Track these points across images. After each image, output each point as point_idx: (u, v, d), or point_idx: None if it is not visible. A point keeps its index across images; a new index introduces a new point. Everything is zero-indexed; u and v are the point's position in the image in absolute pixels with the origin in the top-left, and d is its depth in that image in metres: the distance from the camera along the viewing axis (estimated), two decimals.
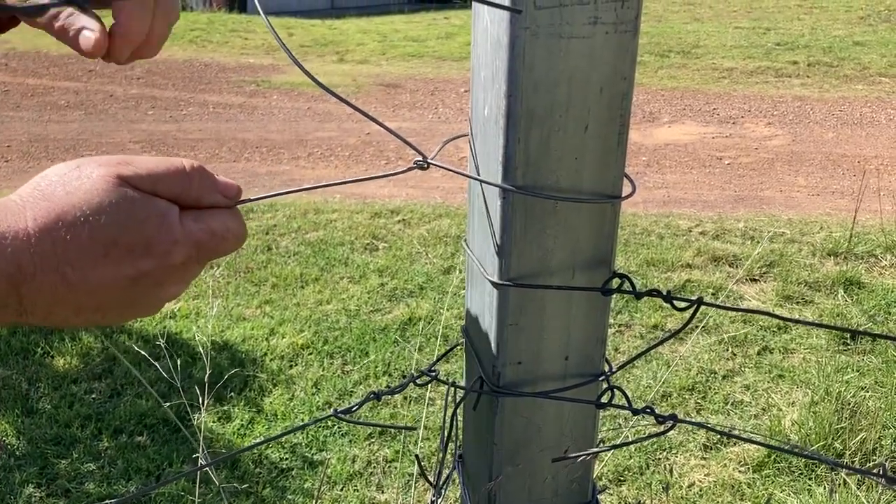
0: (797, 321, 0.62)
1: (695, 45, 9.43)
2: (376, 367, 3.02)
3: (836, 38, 9.43)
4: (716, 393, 2.89)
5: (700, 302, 0.67)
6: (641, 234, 4.26)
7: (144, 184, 0.52)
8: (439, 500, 0.87)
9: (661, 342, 0.70)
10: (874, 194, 4.58)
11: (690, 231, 4.32)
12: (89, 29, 0.56)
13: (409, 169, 0.65)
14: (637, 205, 4.80)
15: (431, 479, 0.87)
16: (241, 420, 2.71)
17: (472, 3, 0.66)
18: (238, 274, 3.79)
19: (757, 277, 3.76)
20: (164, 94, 7.56)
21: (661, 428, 0.76)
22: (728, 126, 6.53)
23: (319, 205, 4.74)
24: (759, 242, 4.11)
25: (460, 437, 0.90)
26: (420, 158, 0.65)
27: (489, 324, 0.74)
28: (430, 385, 2.86)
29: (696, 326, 3.31)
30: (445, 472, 0.88)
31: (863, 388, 2.87)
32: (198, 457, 2.35)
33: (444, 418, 0.79)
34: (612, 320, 3.36)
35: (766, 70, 8.29)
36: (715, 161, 5.68)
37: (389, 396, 2.87)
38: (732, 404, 2.84)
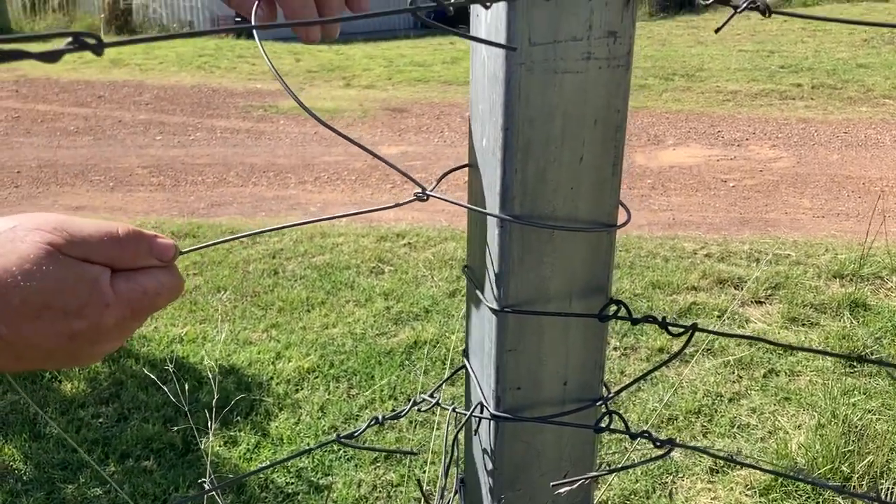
0: (792, 347, 0.63)
1: (699, 69, 9.48)
2: (382, 390, 3.03)
3: (839, 61, 9.47)
4: (722, 416, 2.89)
5: (694, 328, 0.69)
6: (647, 257, 4.27)
7: (77, 251, 0.54)
8: None
9: (656, 369, 0.71)
10: (879, 216, 4.58)
11: (696, 253, 4.33)
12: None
13: (409, 201, 0.67)
14: (642, 227, 4.81)
15: None
16: (248, 444, 2.72)
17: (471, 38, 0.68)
18: (245, 298, 3.81)
19: (762, 300, 3.76)
20: (173, 119, 7.63)
21: (661, 452, 0.77)
22: (733, 148, 6.56)
23: (326, 228, 4.76)
24: (764, 265, 4.11)
25: (462, 461, 0.91)
26: (420, 191, 0.67)
27: (489, 349, 0.76)
28: (434, 409, 2.86)
29: (702, 349, 3.31)
30: (448, 496, 0.89)
31: (870, 411, 2.86)
32: (204, 482, 2.36)
33: (446, 443, 0.81)
34: (617, 343, 3.37)
35: (771, 93, 8.33)
36: (720, 183, 5.70)
37: (395, 421, 2.87)
38: (739, 427, 2.83)
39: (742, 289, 3.86)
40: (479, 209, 0.70)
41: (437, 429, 2.76)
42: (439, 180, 0.71)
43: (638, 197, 5.42)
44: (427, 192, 0.68)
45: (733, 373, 3.15)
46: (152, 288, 0.57)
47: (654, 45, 11.20)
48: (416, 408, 0.80)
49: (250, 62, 10.75)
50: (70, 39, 0.42)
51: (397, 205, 0.68)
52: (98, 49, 0.42)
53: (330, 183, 5.81)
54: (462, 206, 0.69)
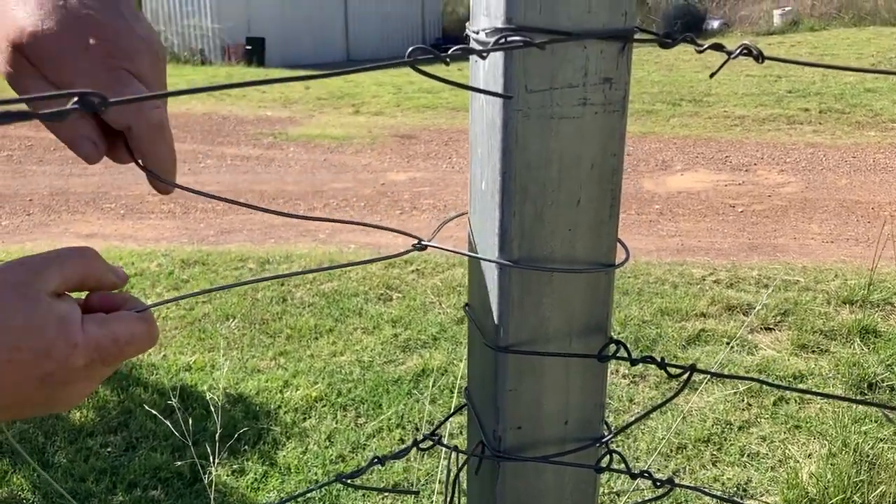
0: (788, 388, 0.64)
1: (706, 94, 9.52)
2: (389, 419, 3.02)
3: (847, 85, 9.49)
4: (731, 444, 2.87)
5: (693, 369, 0.69)
6: (655, 283, 4.26)
7: (48, 282, 0.54)
8: None
9: (651, 411, 0.72)
10: (889, 241, 4.57)
11: (704, 279, 4.32)
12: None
13: (407, 251, 0.68)
14: (651, 253, 4.81)
15: None
16: (255, 474, 2.71)
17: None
18: (253, 325, 3.82)
19: (771, 326, 3.75)
20: (183, 146, 7.70)
21: (661, 491, 0.77)
22: (741, 173, 6.56)
23: (334, 255, 4.78)
24: (773, 291, 4.10)
25: (464, 498, 0.91)
26: (417, 241, 0.68)
27: (489, 389, 0.76)
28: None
29: (711, 376, 3.29)
30: None
31: (882, 440, 2.83)
32: None
33: (447, 482, 0.81)
34: (626, 371, 3.35)
35: (778, 117, 8.34)
36: (728, 209, 5.69)
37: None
38: (748, 456, 2.81)
39: (751, 315, 3.84)
40: (477, 255, 0.71)
41: (446, 458, 2.75)
42: (437, 230, 0.72)
43: (646, 223, 5.43)
44: (423, 242, 0.69)
45: (743, 400, 3.13)
46: (123, 336, 0.57)
47: (662, 71, 11.26)
48: (416, 447, 0.81)
49: (260, 90, 10.86)
50: (75, 99, 0.44)
51: (395, 255, 0.69)
52: (101, 108, 0.44)
53: (339, 209, 5.84)
54: (460, 253, 0.70)
